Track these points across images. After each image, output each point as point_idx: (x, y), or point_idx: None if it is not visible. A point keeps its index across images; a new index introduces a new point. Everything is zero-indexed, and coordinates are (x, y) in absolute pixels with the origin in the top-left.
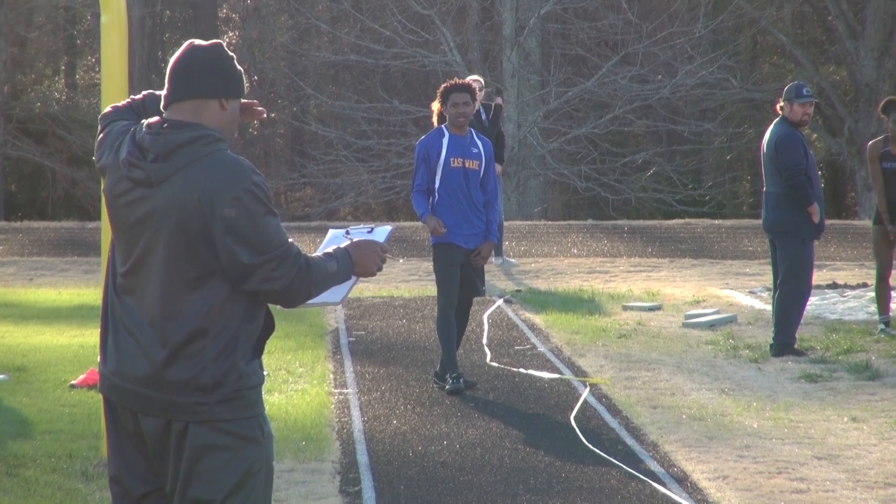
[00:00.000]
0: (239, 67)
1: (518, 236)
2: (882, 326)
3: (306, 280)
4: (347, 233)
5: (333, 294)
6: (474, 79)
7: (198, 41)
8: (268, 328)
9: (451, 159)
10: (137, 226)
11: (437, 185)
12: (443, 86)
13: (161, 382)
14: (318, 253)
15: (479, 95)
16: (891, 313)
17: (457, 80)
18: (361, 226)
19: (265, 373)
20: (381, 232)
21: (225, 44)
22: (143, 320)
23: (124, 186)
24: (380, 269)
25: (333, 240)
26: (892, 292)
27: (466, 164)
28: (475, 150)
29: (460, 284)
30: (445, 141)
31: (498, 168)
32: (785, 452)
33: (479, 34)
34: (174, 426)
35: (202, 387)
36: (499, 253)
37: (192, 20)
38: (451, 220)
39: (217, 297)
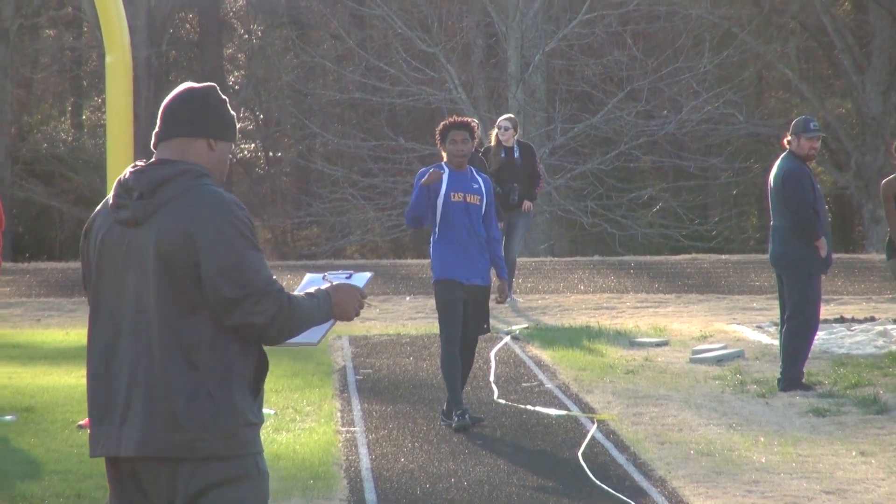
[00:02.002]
0: (232, 112)
1: (525, 273)
2: None
3: (288, 318)
4: (325, 277)
5: (311, 335)
6: (505, 117)
7: (193, 83)
8: (262, 366)
9: (452, 193)
10: (126, 266)
11: (437, 219)
12: (442, 123)
13: None
14: (297, 293)
15: (512, 134)
16: None
17: (455, 118)
18: (340, 271)
19: (272, 411)
20: (360, 278)
21: (219, 87)
22: None
23: (113, 231)
24: (357, 314)
25: (310, 283)
26: None
27: (468, 199)
28: (475, 186)
29: (465, 323)
30: (445, 176)
31: (526, 205)
32: (793, 487)
33: (484, 71)
34: (171, 465)
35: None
36: (509, 290)
37: (197, 59)
38: (451, 255)
39: (207, 332)
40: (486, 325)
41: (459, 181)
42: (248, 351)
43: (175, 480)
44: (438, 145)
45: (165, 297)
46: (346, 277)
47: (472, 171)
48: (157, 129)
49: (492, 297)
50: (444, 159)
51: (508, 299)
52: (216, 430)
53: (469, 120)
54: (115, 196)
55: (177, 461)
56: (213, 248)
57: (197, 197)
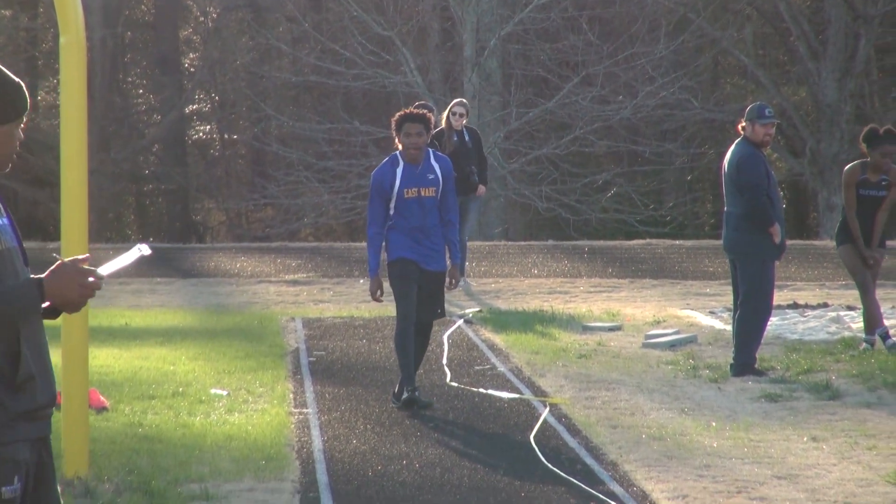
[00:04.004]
0: (13, 87)
1: (478, 257)
2: (874, 339)
3: None
4: (139, 248)
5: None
6: (459, 101)
7: None
8: (11, 356)
9: (405, 190)
10: None
11: (392, 212)
12: (397, 115)
13: None
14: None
15: (461, 121)
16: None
17: (410, 110)
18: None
19: (225, 392)
20: (128, 255)
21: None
22: None
23: None
24: (86, 297)
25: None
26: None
27: (422, 193)
28: (431, 177)
29: (419, 306)
30: (399, 171)
31: (481, 189)
32: (745, 472)
33: (440, 55)
34: None
35: None
36: (462, 273)
37: (152, 41)
38: (405, 241)
39: None
40: (440, 310)
41: (413, 176)
42: None
43: None
44: (394, 135)
45: None
46: (139, 250)
47: (428, 159)
48: None
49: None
50: (399, 149)
51: (461, 283)
52: None
53: (424, 112)
54: None
55: None
56: None
57: None
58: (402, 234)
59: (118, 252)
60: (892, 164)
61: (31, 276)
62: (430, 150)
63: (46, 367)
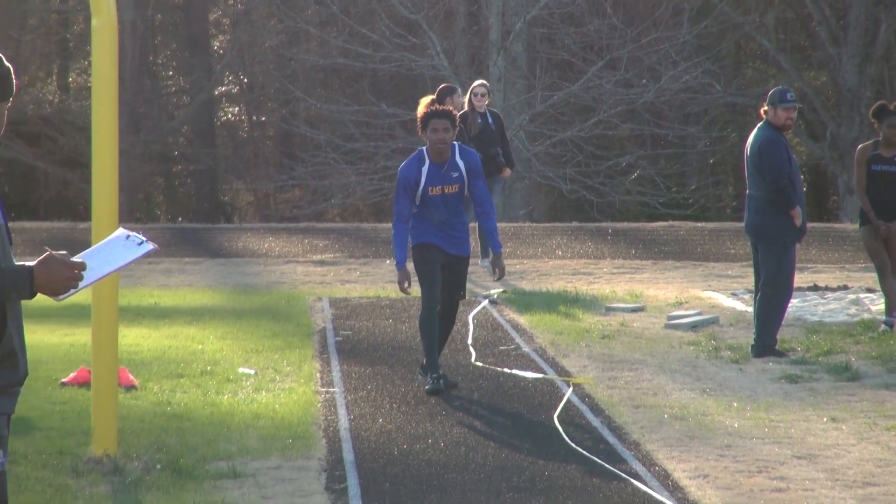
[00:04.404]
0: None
1: (503, 238)
2: (893, 321)
3: None
4: (128, 237)
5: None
6: (480, 83)
7: None
8: None
9: (430, 188)
10: None
11: (417, 204)
12: (422, 112)
13: None
14: (79, 255)
15: (483, 101)
16: None
17: (436, 106)
18: (139, 235)
19: (252, 371)
20: (141, 248)
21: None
22: None
23: None
24: (67, 290)
25: (113, 240)
26: None
27: (446, 190)
28: (455, 175)
29: (444, 288)
30: (425, 170)
31: (507, 171)
32: (765, 452)
33: (466, 38)
34: None
35: None
36: (486, 254)
37: (183, 24)
38: (429, 228)
39: None
40: (462, 293)
41: (438, 175)
42: None
43: None
44: (419, 132)
45: None
46: (139, 244)
47: (454, 156)
48: None
49: (482, 269)
50: (426, 145)
51: (483, 264)
52: None
53: (450, 109)
54: None
55: None
56: None
57: None
58: (425, 222)
59: (146, 232)
60: None
61: (22, 264)
62: (456, 145)
63: (23, 344)
